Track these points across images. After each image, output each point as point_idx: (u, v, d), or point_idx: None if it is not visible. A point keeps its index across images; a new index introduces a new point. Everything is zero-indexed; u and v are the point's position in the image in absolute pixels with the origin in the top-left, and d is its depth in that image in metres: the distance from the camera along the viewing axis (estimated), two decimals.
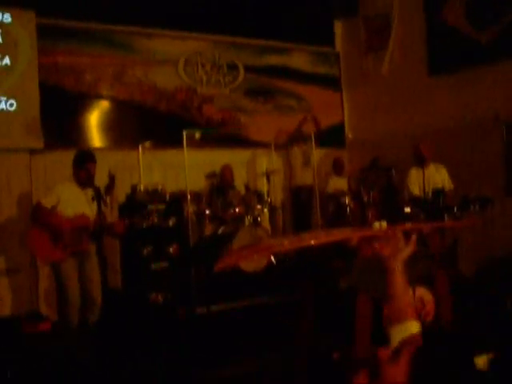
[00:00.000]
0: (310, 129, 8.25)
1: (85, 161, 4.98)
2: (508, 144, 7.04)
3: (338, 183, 8.07)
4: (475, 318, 4.41)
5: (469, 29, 7.48)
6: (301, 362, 3.65)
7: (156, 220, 6.24)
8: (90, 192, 4.78)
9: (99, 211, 4.61)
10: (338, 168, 8.31)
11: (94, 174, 4.97)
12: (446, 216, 4.54)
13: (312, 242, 1.78)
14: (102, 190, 4.89)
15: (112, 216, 5.37)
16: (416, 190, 6.46)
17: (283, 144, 8.43)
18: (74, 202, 4.89)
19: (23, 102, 6.44)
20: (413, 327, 1.70)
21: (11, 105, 6.38)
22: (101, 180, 5.09)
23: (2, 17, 6.40)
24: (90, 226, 4.82)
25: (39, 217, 4.82)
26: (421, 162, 6.49)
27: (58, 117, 6.76)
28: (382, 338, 3.35)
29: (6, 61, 6.39)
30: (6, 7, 6.41)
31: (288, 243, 1.87)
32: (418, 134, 7.29)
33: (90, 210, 4.83)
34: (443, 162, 6.66)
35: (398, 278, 1.78)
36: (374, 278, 3.21)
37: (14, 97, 6.39)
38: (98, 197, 4.65)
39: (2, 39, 6.40)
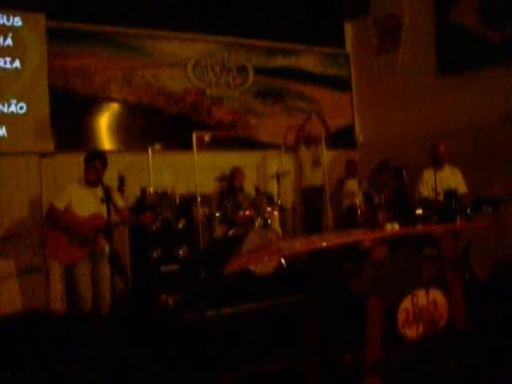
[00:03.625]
0: (316, 128, 8.19)
1: (93, 158, 4.97)
2: None
3: (353, 185, 8.01)
4: (489, 321, 4.35)
5: (481, 28, 7.41)
6: (312, 364, 3.62)
7: (166, 222, 6.24)
8: (99, 192, 4.76)
9: (108, 211, 4.58)
10: (351, 169, 8.25)
11: (103, 172, 4.95)
12: (458, 218, 4.48)
13: (323, 245, 1.75)
14: (112, 190, 4.88)
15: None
16: (426, 191, 6.38)
17: (291, 144, 8.37)
18: (85, 203, 4.89)
19: (33, 104, 6.47)
20: None
21: (21, 108, 6.40)
22: (111, 182, 5.08)
23: (13, 20, 6.45)
24: (104, 225, 4.80)
25: (55, 219, 4.81)
26: (437, 162, 6.40)
27: (68, 119, 6.78)
28: (394, 342, 3.30)
29: (17, 64, 6.43)
30: (16, 11, 6.44)
31: (299, 246, 1.84)
32: (429, 135, 7.23)
33: (100, 209, 4.79)
34: (454, 163, 6.59)
35: None
36: (385, 281, 3.17)
37: (24, 100, 6.41)
38: (108, 197, 4.63)
39: (13, 42, 6.44)
